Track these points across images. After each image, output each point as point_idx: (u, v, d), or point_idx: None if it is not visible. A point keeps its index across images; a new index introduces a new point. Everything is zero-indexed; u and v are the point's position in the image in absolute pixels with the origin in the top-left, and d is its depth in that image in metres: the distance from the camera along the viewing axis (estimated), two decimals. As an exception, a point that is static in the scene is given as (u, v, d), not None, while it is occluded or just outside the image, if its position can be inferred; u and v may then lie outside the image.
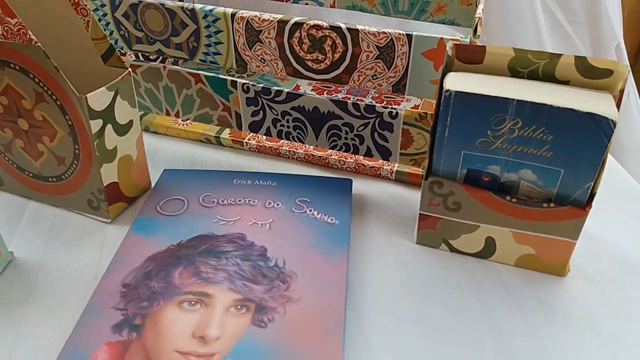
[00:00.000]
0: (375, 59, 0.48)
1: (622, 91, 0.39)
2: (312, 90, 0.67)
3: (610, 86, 0.40)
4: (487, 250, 0.47)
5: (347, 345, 0.38)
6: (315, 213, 0.48)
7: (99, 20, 0.54)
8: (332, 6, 0.68)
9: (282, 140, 0.59)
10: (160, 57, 0.64)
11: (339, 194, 0.51)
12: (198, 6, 0.50)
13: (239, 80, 0.54)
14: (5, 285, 0.43)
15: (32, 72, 0.42)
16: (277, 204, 0.49)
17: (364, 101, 0.51)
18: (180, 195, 0.51)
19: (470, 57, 0.42)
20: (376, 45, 0.47)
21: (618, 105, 0.38)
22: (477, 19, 0.45)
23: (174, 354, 0.36)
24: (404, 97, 0.67)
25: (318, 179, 0.53)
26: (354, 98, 0.65)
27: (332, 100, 0.52)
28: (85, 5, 0.45)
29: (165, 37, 0.53)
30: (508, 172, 0.43)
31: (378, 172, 0.56)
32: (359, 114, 0.52)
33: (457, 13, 0.64)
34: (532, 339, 0.40)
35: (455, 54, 0.42)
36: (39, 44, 0.41)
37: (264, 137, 0.60)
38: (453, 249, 0.48)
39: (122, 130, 0.47)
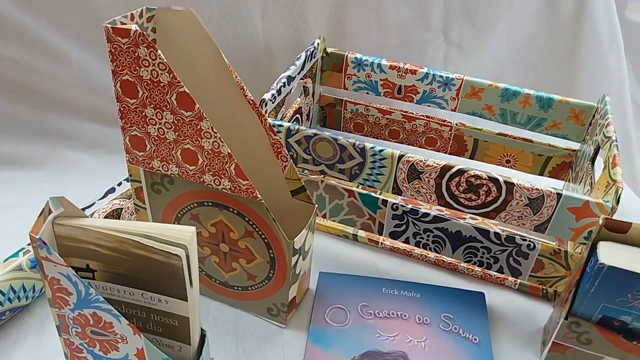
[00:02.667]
0: (524, 205, 0.56)
1: None
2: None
3: None
4: (606, 374, 0.55)
5: None
6: (461, 332, 0.57)
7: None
8: (454, 110, 0.75)
9: (413, 243, 0.67)
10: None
11: (476, 309, 0.59)
12: (368, 145, 0.58)
13: (390, 200, 0.62)
14: (217, 390, 0.52)
15: (249, 217, 0.51)
16: (426, 320, 0.58)
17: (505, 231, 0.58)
18: (341, 304, 0.59)
19: (617, 228, 0.50)
20: (528, 197, 0.55)
21: None
22: (620, 190, 0.52)
23: None
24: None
25: (454, 292, 0.61)
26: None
27: (475, 228, 0.60)
28: (286, 154, 0.53)
29: (331, 163, 0.61)
30: (637, 322, 0.51)
31: (502, 282, 0.64)
32: (499, 242, 0.60)
33: (570, 130, 0.72)
34: None
35: (604, 224, 0.50)
36: (263, 201, 0.49)
37: (396, 237, 0.68)
38: (576, 370, 0.56)
39: (306, 255, 0.55)
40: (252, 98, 0.51)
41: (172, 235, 0.43)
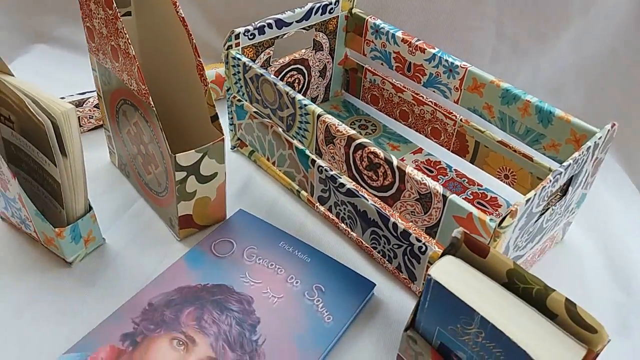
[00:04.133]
0: (415, 200, 0.51)
1: (598, 354, 0.37)
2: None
3: (591, 341, 0.38)
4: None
5: None
6: (320, 306, 0.55)
7: (234, 74, 0.65)
8: (457, 102, 0.69)
9: (346, 217, 0.65)
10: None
11: (354, 294, 0.56)
12: (299, 97, 0.58)
13: (318, 160, 0.61)
14: (85, 265, 0.59)
15: (150, 122, 0.56)
16: (296, 282, 0.57)
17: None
18: (234, 239, 0.61)
19: (477, 250, 0.43)
20: (417, 191, 0.50)
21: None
22: (509, 214, 0.45)
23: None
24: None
25: (346, 271, 0.58)
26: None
27: (378, 212, 0.56)
28: (206, 78, 0.56)
29: (274, 108, 0.62)
30: (474, 365, 0.44)
31: (408, 285, 0.59)
32: (395, 234, 0.55)
33: (568, 156, 0.61)
34: None
35: (464, 239, 0.43)
36: (154, 108, 0.53)
37: (336, 207, 0.67)
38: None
39: (204, 179, 0.58)
40: (183, 15, 0.55)
41: (51, 106, 0.50)
